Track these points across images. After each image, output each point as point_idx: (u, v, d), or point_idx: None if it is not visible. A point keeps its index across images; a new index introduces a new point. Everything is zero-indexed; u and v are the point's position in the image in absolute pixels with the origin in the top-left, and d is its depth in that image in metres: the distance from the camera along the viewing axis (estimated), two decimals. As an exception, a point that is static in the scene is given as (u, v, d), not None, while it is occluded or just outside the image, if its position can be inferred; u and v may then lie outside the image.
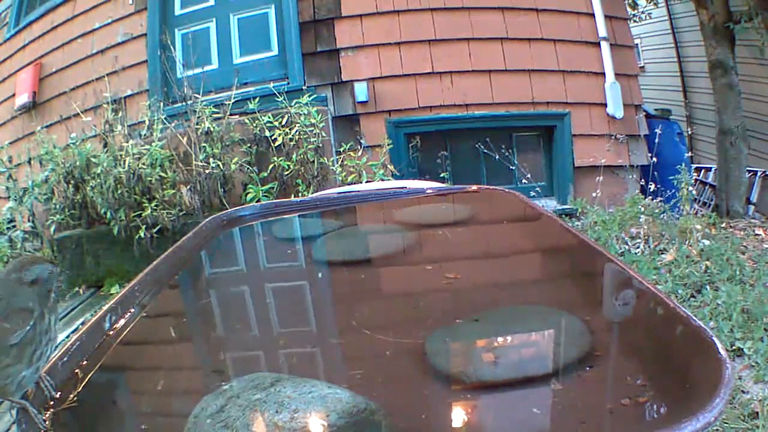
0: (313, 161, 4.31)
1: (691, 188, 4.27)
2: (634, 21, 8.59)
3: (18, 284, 0.97)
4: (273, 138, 4.33)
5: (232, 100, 4.46)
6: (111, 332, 1.22)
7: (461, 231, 2.09)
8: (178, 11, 5.22)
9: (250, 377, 1.01)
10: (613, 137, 5.05)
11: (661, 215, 4.29)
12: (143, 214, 4.12)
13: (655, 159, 4.73)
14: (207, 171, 4.18)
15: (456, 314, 1.32)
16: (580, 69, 5.09)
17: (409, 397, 1.02)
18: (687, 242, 3.86)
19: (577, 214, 4.79)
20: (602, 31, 5.05)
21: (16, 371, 0.91)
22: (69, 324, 3.79)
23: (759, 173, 6.21)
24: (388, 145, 4.70)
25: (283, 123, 4.35)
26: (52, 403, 0.93)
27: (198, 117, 4.32)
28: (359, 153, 4.60)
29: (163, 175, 4.20)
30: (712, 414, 0.74)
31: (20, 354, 0.92)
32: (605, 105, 5.06)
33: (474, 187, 2.39)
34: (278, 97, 4.46)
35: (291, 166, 4.28)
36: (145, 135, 4.46)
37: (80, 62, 5.32)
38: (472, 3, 5.02)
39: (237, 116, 4.51)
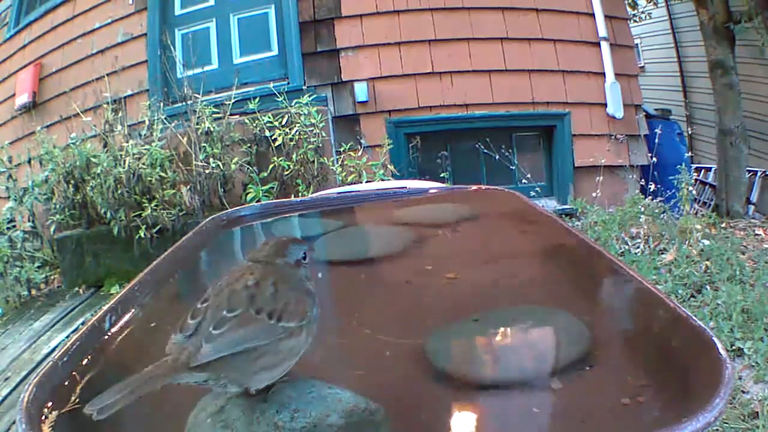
0: (313, 161, 4.31)
1: (691, 188, 4.27)
2: (634, 21, 8.60)
3: (289, 268, 0.94)
4: (273, 138, 4.33)
5: (232, 100, 4.47)
6: (111, 332, 1.21)
7: (461, 231, 2.09)
8: (178, 11, 5.23)
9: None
10: (613, 137, 5.05)
11: (661, 215, 4.29)
12: (143, 214, 4.12)
13: (655, 159, 4.74)
14: (207, 171, 4.19)
15: (456, 314, 1.32)
16: (580, 69, 5.09)
17: (409, 397, 1.02)
18: (687, 242, 3.86)
19: (577, 214, 4.79)
20: (602, 31, 5.06)
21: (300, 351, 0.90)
22: (69, 324, 3.79)
23: (759, 173, 6.21)
24: (388, 145, 4.70)
25: (283, 123, 4.36)
26: (50, 404, 0.93)
27: (198, 117, 4.32)
28: (359, 153, 4.60)
29: (163, 175, 4.20)
30: (713, 414, 0.74)
31: (308, 335, 0.91)
32: (605, 105, 5.07)
33: (474, 187, 2.39)
34: (278, 97, 4.46)
35: (291, 166, 4.28)
36: (145, 135, 4.46)
37: (80, 62, 5.33)
38: (472, 3, 5.03)
39: (237, 116, 4.51)
